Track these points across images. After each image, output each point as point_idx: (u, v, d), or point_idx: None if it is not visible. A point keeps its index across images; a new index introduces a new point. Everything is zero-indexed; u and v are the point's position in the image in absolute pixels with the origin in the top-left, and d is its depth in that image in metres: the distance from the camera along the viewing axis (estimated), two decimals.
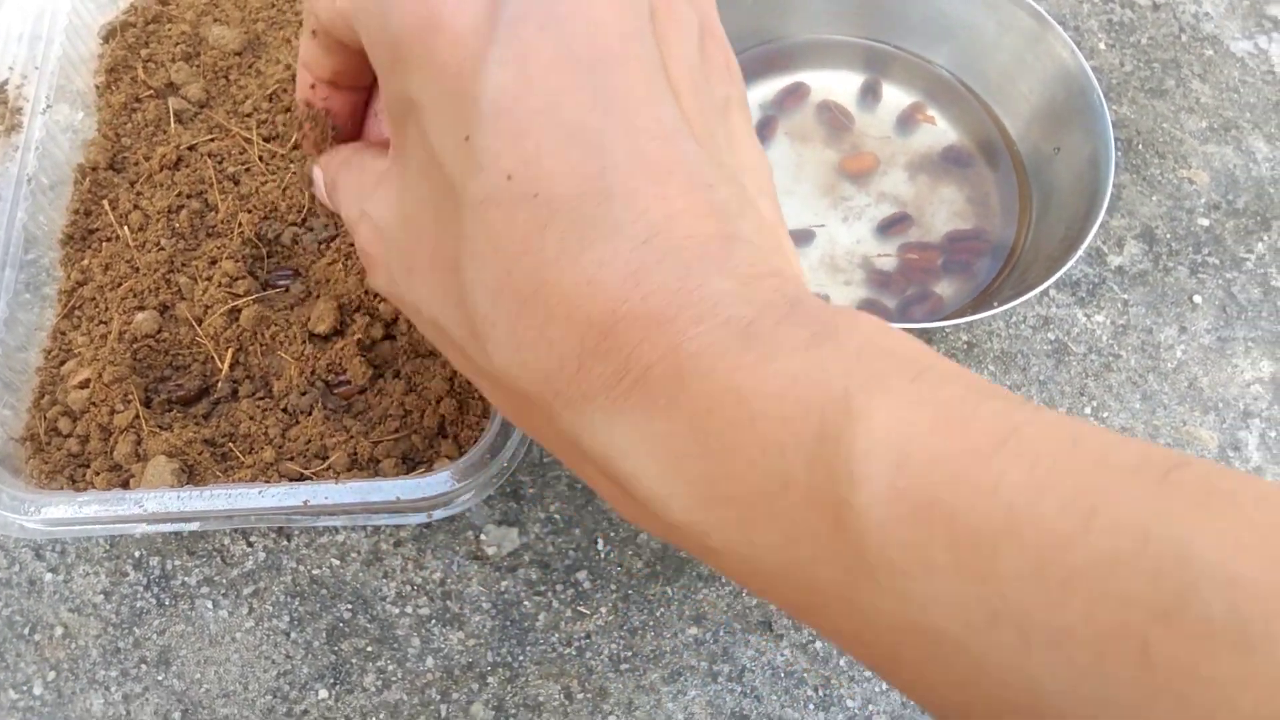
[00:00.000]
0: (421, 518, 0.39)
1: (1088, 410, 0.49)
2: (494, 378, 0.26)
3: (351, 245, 0.45)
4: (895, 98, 0.54)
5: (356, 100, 0.33)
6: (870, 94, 0.54)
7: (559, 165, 0.24)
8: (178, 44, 0.49)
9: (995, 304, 0.44)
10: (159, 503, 0.36)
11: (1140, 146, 0.56)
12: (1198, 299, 0.52)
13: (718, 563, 0.23)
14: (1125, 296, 0.51)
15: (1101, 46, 0.59)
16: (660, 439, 0.22)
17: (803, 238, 0.50)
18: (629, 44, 0.25)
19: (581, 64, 0.24)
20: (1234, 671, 0.16)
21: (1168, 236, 0.53)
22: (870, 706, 0.42)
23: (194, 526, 0.37)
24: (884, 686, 0.43)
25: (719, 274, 0.23)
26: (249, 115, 0.48)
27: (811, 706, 0.42)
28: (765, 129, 0.52)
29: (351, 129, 0.34)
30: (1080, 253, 0.44)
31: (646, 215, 0.23)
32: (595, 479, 0.26)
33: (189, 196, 0.46)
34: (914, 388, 0.20)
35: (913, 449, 0.19)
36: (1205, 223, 0.54)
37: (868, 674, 0.43)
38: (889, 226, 0.50)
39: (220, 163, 0.47)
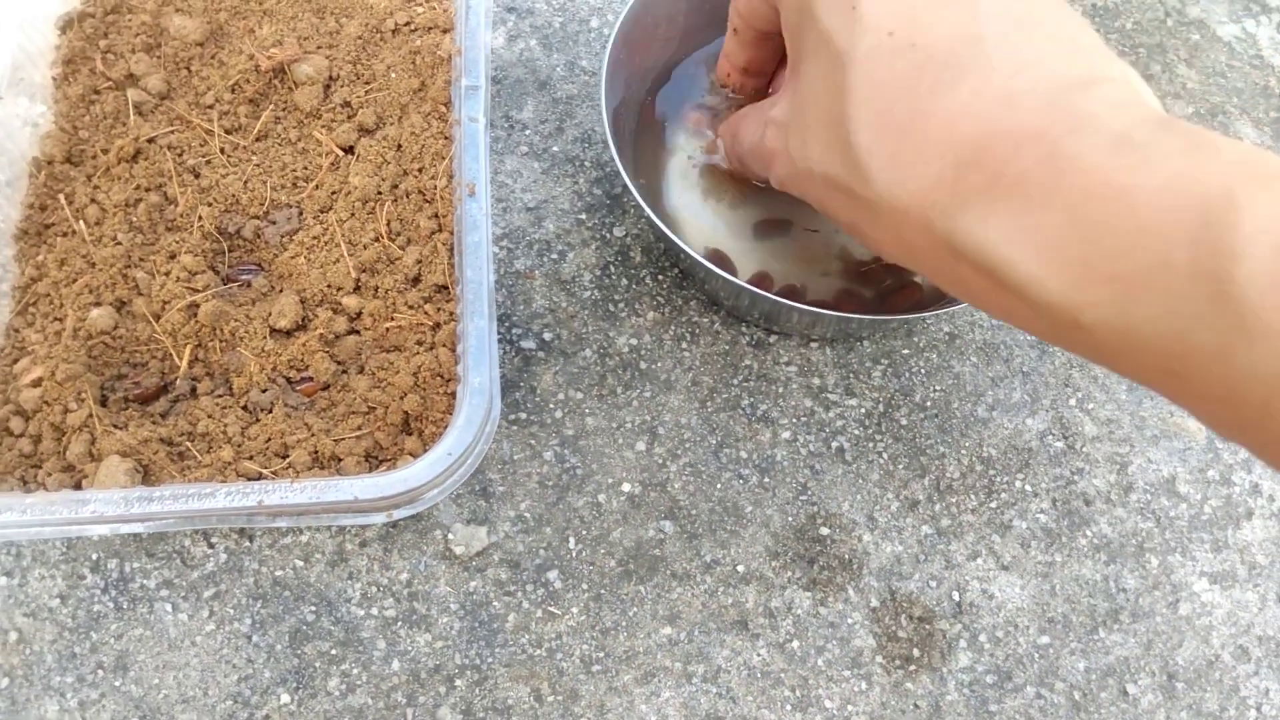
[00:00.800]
0: (382, 518, 0.37)
1: (1072, 402, 0.47)
2: (874, 205, 0.30)
3: (315, 238, 0.44)
4: None
5: (759, 85, 0.44)
6: None
7: (934, 18, 0.29)
8: (138, 34, 0.48)
9: None
10: (108, 504, 0.35)
11: None
12: None
13: (1085, 339, 0.26)
14: None
15: None
16: (1037, 229, 0.26)
17: (779, 228, 0.49)
18: None
19: None
20: None
21: None
22: (849, 707, 0.41)
23: (142, 528, 0.36)
24: (863, 686, 0.41)
25: (1087, 99, 0.26)
26: (210, 107, 0.47)
27: (789, 708, 0.41)
28: None
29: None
30: None
31: (1016, 55, 0.28)
32: (966, 279, 0.29)
33: (148, 190, 0.44)
34: None
35: None
36: None
37: (846, 674, 0.42)
38: None
39: (180, 155, 0.45)
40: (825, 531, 0.44)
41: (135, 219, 0.44)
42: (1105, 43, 0.31)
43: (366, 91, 0.47)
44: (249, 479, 0.38)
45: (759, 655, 0.42)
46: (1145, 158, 0.25)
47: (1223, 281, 0.23)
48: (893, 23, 0.29)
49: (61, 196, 0.44)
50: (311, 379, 0.41)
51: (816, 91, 0.32)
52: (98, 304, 0.42)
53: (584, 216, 0.50)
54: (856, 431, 0.46)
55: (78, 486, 0.38)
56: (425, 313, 0.42)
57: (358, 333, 0.42)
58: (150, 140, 0.46)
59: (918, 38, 0.29)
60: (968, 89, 0.28)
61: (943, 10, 0.29)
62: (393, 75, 0.47)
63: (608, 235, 0.50)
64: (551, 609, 0.42)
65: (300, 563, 0.42)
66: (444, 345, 0.41)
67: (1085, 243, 0.25)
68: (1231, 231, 0.23)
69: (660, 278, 0.49)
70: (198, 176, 0.45)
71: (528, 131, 0.52)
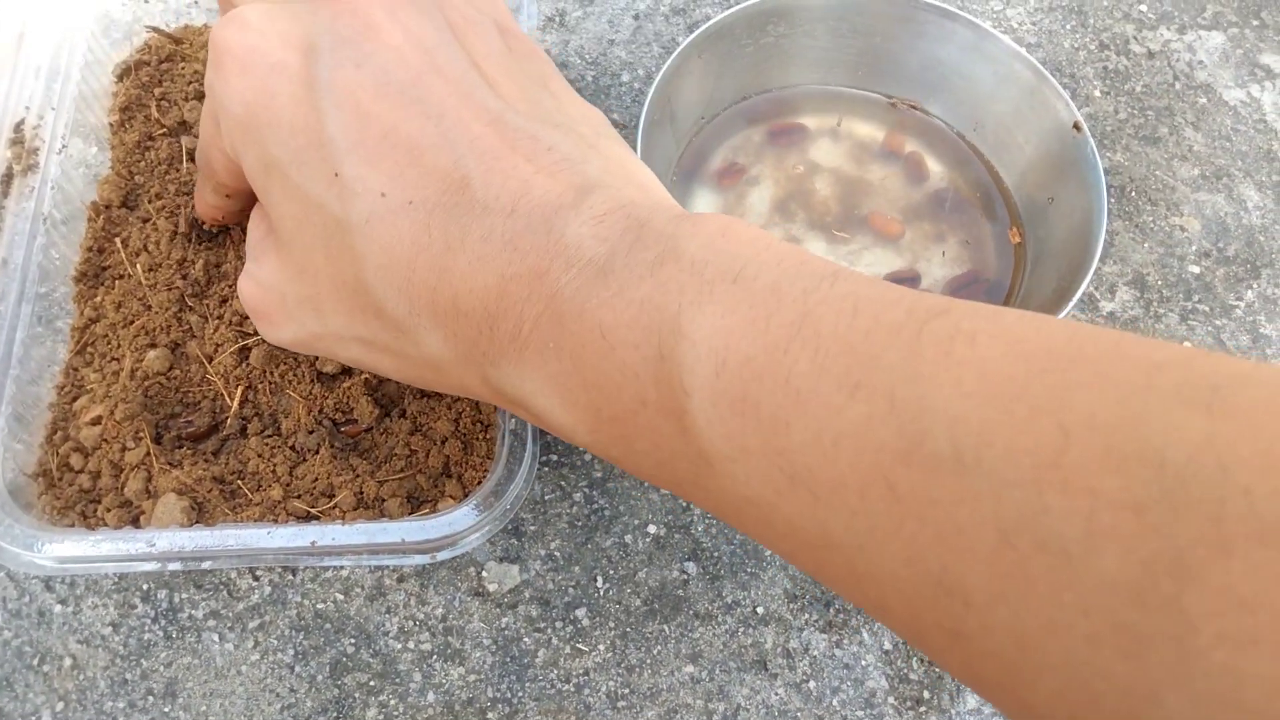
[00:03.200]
0: (425, 559, 0.39)
1: None
2: (433, 361, 0.30)
3: None
4: (894, 147, 0.55)
5: (249, 205, 0.41)
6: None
7: (419, 172, 0.28)
8: (190, 83, 0.50)
9: None
10: (169, 542, 0.37)
11: (1133, 194, 0.57)
12: (1188, 345, 0.53)
13: (624, 468, 0.28)
14: None
15: (1097, 94, 0.60)
16: (555, 378, 0.26)
17: None
18: (435, 56, 0.30)
19: (402, 85, 0.29)
20: (953, 492, 0.19)
21: (1159, 283, 0.54)
22: None
23: (204, 566, 0.38)
24: None
25: (576, 221, 0.27)
26: None
27: None
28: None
29: None
30: (1073, 303, 0.45)
31: (505, 189, 0.28)
32: (529, 418, 0.30)
33: None
34: (734, 290, 0.24)
35: (728, 355, 0.23)
36: (1196, 270, 0.55)
37: (859, 713, 0.44)
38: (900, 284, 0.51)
39: None
40: None
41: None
42: (609, 124, 0.33)
43: None
44: (298, 518, 0.40)
45: (777, 694, 0.44)
46: (620, 287, 0.25)
47: (681, 416, 0.24)
48: (381, 183, 0.28)
49: (118, 240, 0.46)
50: (356, 421, 0.43)
51: (317, 261, 0.30)
52: (153, 346, 0.44)
53: None
54: None
55: (135, 522, 0.40)
56: None
57: None
58: None
59: (412, 194, 0.28)
60: (476, 237, 0.27)
61: (423, 161, 0.28)
62: None
63: None
64: (580, 646, 0.44)
65: (340, 596, 0.44)
66: None
67: (588, 388, 0.26)
68: (679, 366, 0.23)
69: None
70: None
71: None
